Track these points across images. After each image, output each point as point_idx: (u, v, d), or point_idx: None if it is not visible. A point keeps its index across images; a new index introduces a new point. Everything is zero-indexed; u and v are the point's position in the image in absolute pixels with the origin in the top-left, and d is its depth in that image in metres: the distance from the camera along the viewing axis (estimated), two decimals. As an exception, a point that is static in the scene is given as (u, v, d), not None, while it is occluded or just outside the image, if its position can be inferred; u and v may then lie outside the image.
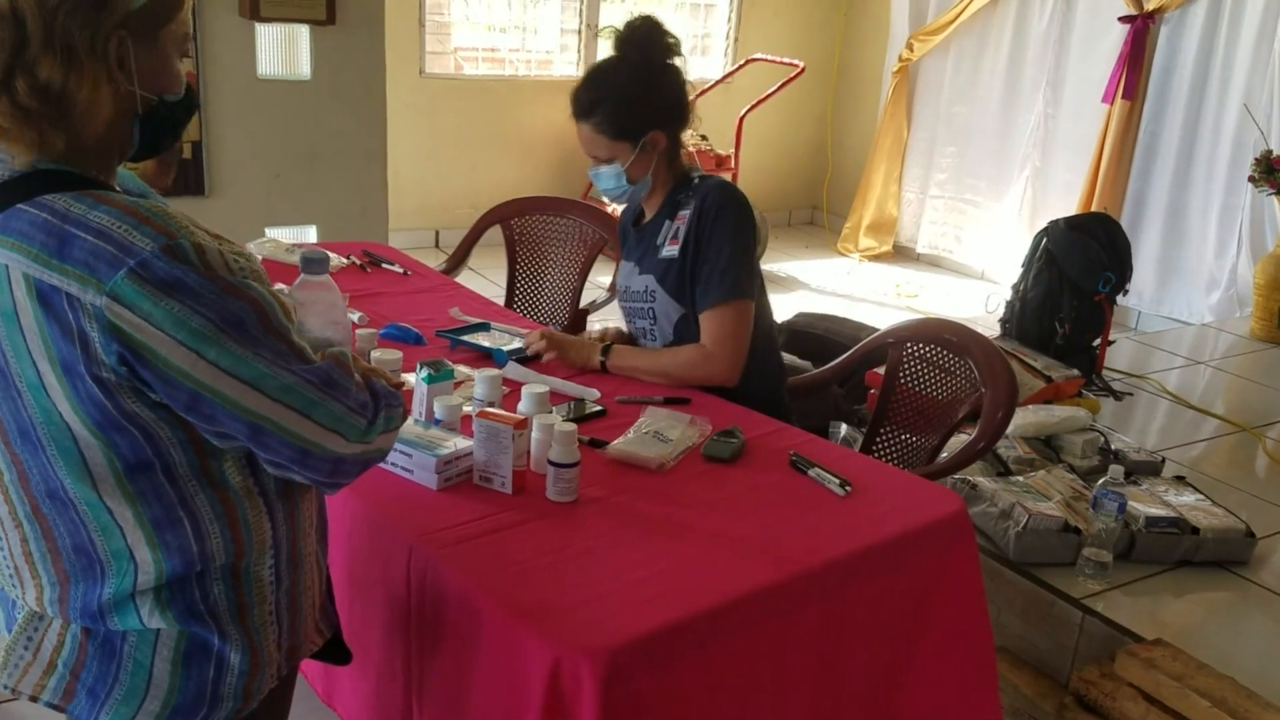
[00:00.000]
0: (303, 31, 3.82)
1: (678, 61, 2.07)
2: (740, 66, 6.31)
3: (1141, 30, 5.08)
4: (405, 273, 2.78)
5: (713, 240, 2.03)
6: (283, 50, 3.84)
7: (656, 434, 1.79)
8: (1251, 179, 4.45)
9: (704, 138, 6.03)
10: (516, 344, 2.20)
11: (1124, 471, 2.44)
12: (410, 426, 1.69)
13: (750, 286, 2.06)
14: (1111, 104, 5.19)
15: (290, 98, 3.87)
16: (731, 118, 6.13)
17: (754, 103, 6.03)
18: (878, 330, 2.64)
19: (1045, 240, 3.68)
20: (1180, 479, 2.78)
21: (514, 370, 2.08)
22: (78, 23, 0.99)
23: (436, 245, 5.95)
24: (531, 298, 3.20)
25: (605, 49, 2.08)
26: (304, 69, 3.87)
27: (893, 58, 6.38)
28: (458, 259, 3.24)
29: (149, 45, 1.07)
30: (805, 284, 5.92)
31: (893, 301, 5.70)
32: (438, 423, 1.73)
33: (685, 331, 2.11)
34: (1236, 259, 4.93)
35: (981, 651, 1.69)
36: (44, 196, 1.02)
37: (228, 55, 3.70)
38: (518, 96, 6.03)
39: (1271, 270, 4.45)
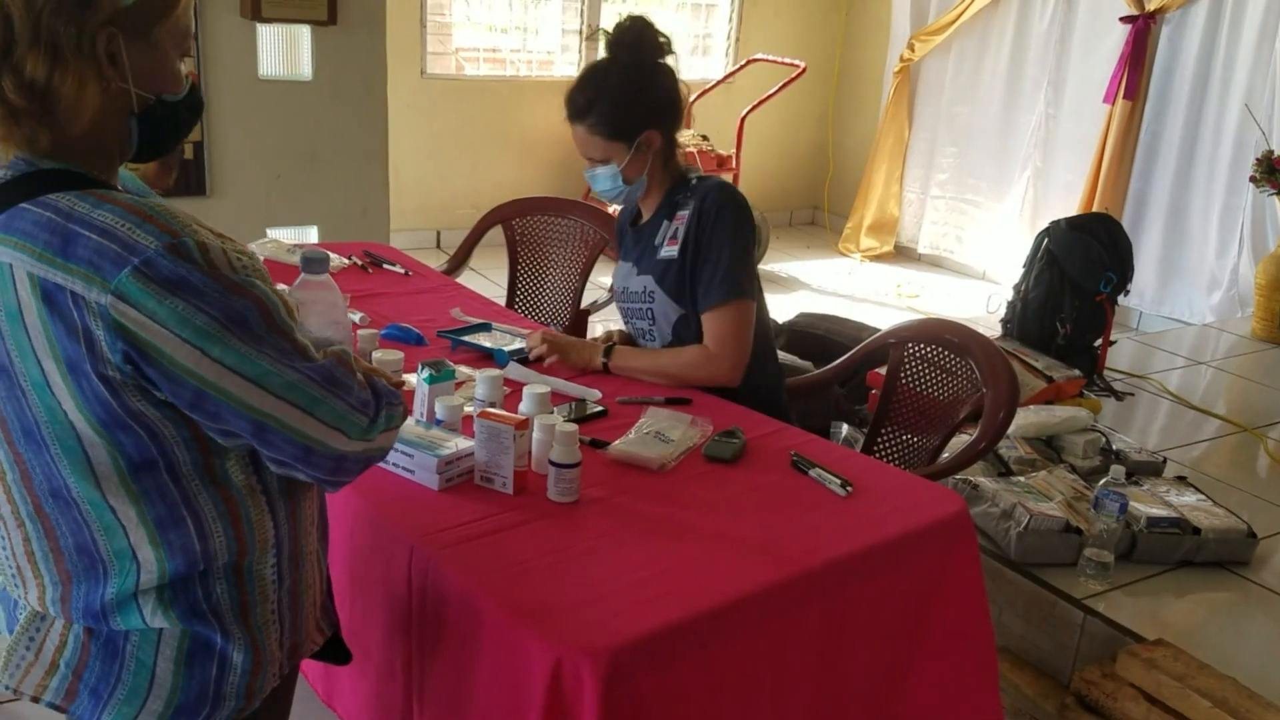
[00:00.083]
0: (304, 32, 3.82)
1: (670, 61, 2.08)
2: (741, 67, 6.31)
3: (1143, 30, 5.08)
4: (406, 273, 2.78)
5: (713, 241, 2.03)
6: (284, 51, 3.84)
7: (658, 434, 1.79)
8: (1253, 179, 4.44)
9: (705, 138, 6.03)
10: (518, 344, 2.20)
11: (1125, 472, 2.44)
12: (412, 427, 1.69)
13: (751, 287, 2.06)
14: (1113, 104, 5.19)
15: (291, 98, 3.87)
16: (733, 118, 6.13)
17: (755, 103, 6.03)
18: (879, 330, 2.64)
19: (1046, 240, 3.68)
20: (1181, 479, 2.78)
21: (515, 371, 2.08)
22: (63, 19, 1.00)
23: (438, 246, 5.96)
24: (533, 298, 3.20)
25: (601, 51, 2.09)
26: (305, 69, 3.87)
27: (894, 58, 6.38)
28: (459, 259, 3.24)
29: (143, 43, 1.07)
30: (806, 284, 5.92)
31: (894, 302, 5.70)
32: (439, 423, 1.74)
33: (684, 332, 2.11)
34: (1238, 259, 4.93)
35: (983, 652, 1.69)
36: (47, 196, 1.02)
37: (229, 56, 3.70)
38: (519, 97, 6.03)
39: (1273, 270, 4.45)
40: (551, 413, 1.79)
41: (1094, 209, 5.04)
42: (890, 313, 5.24)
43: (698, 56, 6.65)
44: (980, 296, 5.49)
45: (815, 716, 1.52)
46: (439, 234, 5.99)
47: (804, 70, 5.91)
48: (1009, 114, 5.88)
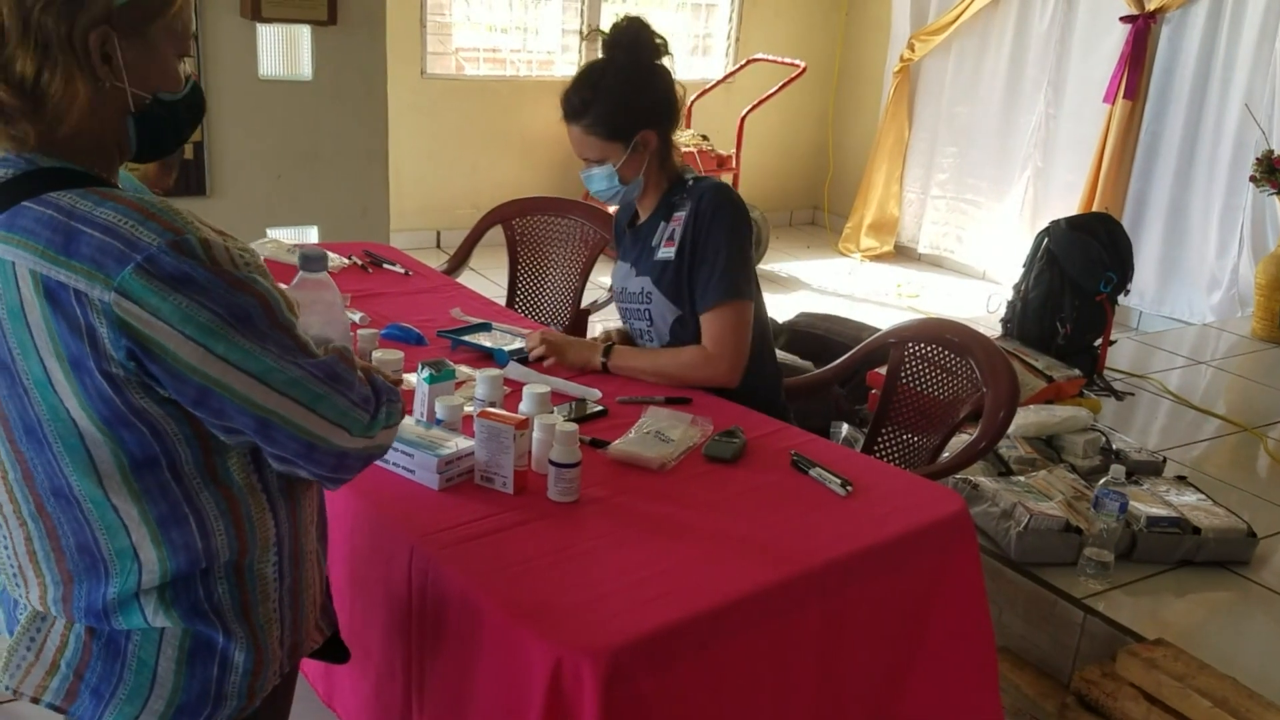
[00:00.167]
0: (304, 32, 3.82)
1: (666, 61, 2.08)
2: (741, 67, 6.31)
3: (1143, 30, 5.08)
4: (406, 273, 2.78)
5: (710, 242, 2.03)
6: (284, 51, 3.84)
7: (658, 434, 1.79)
8: (1253, 179, 4.45)
9: (705, 138, 6.03)
10: (518, 344, 2.20)
11: (1125, 471, 2.44)
12: (412, 426, 1.69)
13: (749, 287, 2.06)
14: (1113, 104, 5.19)
15: (292, 98, 3.87)
16: (733, 118, 6.13)
17: (755, 103, 6.03)
18: (879, 330, 2.64)
19: (1046, 240, 3.68)
20: (1181, 479, 2.78)
21: (515, 370, 2.08)
22: (53, 16, 1.00)
23: (438, 245, 5.96)
24: (533, 298, 3.20)
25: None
26: (305, 69, 3.88)
27: (894, 58, 6.39)
28: (459, 259, 3.24)
29: (138, 41, 1.06)
30: (806, 284, 5.93)
31: (894, 301, 5.71)
32: (439, 423, 1.74)
33: (682, 332, 2.11)
34: (1238, 259, 4.93)
35: (983, 651, 1.69)
36: (49, 194, 1.02)
37: (229, 56, 3.70)
38: (519, 97, 6.04)
39: (1273, 270, 4.45)
40: (551, 412, 1.79)
41: (1094, 209, 5.04)
42: (890, 313, 5.24)
43: (697, 56, 6.65)
44: (980, 296, 5.49)
45: (815, 716, 1.52)
46: (439, 234, 5.99)
47: (804, 70, 5.91)
48: (1009, 114, 5.88)
